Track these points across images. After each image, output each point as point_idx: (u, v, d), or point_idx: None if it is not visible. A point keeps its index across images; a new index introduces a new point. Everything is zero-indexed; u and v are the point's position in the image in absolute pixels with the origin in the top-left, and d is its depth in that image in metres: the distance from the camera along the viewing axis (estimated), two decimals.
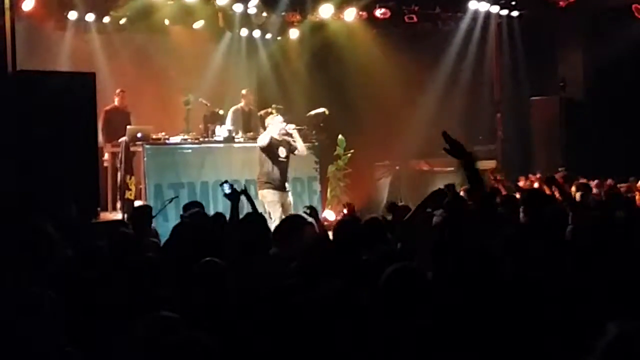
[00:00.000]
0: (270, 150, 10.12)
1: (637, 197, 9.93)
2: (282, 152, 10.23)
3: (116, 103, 12.06)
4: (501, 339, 3.33)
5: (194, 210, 6.80)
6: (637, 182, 10.63)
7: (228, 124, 12.15)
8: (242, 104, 12.64)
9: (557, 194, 7.02)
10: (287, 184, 10.30)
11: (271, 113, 12.91)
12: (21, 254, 4.09)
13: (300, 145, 10.41)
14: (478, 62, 14.84)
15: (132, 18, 12.46)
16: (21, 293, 3.71)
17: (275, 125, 10.17)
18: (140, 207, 8.35)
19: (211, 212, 10.66)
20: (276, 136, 10.17)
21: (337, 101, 13.77)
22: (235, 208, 5.93)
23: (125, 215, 10.13)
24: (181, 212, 7.28)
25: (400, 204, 8.85)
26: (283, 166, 10.22)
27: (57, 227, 5.15)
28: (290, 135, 10.34)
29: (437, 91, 14.65)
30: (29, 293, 3.69)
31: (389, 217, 6.94)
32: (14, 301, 3.59)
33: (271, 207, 9.90)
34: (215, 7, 12.54)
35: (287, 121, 10.51)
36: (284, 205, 10.03)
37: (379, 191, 13.87)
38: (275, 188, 10.06)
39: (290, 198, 10.40)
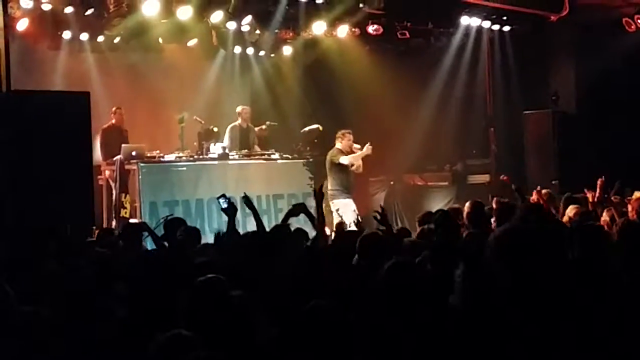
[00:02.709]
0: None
1: (629, 210, 9.94)
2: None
3: (113, 121, 12.11)
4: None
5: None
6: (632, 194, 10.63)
7: (226, 142, 12.21)
8: (239, 121, 12.69)
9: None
10: None
11: (265, 129, 13.08)
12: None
13: (359, 164, 11.54)
14: (470, 77, 14.91)
15: (126, 37, 12.50)
16: (11, 311, 3.73)
17: (366, 152, 11.35)
18: (131, 224, 8.37)
19: (206, 229, 10.79)
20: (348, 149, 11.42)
21: (331, 117, 13.82)
22: (232, 222, 5.94)
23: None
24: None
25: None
26: (351, 176, 11.44)
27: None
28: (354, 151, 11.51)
29: (431, 106, 14.71)
30: (19, 312, 3.71)
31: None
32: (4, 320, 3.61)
33: (348, 213, 10.88)
34: (208, 25, 12.58)
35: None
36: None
37: (374, 206, 13.88)
38: (348, 197, 11.25)
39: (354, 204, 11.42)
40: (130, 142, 11.91)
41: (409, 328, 3.44)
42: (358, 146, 11.46)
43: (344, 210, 10.99)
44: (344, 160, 11.22)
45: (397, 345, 3.43)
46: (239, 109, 12.81)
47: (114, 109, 12.15)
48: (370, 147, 11.32)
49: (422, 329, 3.44)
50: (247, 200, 6.33)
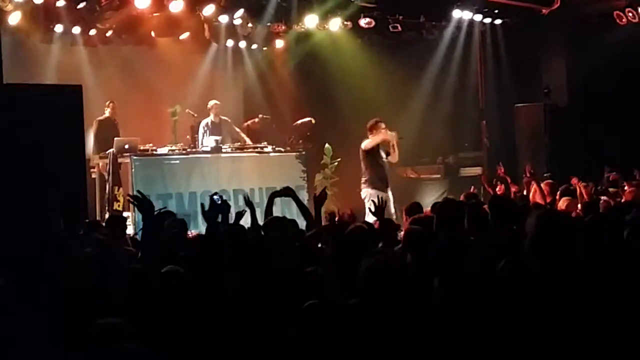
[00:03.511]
0: (374, 153, 10.96)
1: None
2: (383, 153, 11.16)
3: (107, 114, 12.12)
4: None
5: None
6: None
7: (200, 138, 12.22)
8: (210, 117, 12.64)
9: None
10: (389, 184, 11.27)
11: (258, 122, 13.10)
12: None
13: (396, 153, 11.21)
14: (462, 70, 14.93)
15: (119, 30, 12.50)
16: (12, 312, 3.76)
17: (382, 135, 10.95)
18: (113, 217, 8.39)
19: (199, 223, 10.80)
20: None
21: (324, 110, 13.86)
22: (226, 219, 5.91)
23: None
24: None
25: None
26: (384, 167, 11.15)
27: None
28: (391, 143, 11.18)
29: (423, 99, 14.74)
30: (20, 313, 3.73)
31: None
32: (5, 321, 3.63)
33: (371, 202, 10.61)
34: (201, 19, 12.58)
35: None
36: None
37: None
38: (377, 188, 10.85)
39: (391, 197, 11.10)
40: (121, 134, 11.93)
41: (390, 327, 3.46)
42: (393, 133, 11.24)
43: (369, 200, 10.90)
44: (365, 143, 10.96)
45: (377, 343, 3.45)
46: (209, 104, 12.77)
47: (107, 102, 12.15)
48: (394, 134, 11.09)
49: (402, 327, 3.46)
50: (247, 201, 6.28)
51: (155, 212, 5.14)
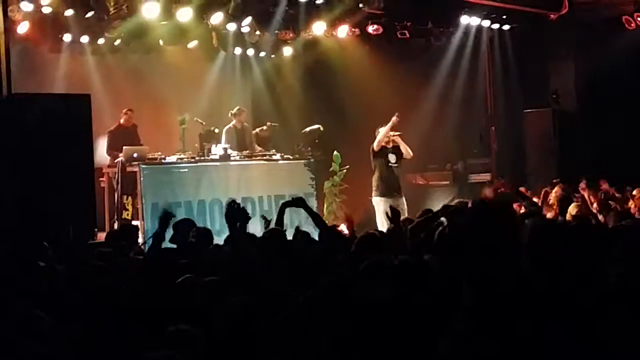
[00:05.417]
0: (380, 156, 10.99)
1: (631, 206, 9.98)
2: (392, 158, 11.11)
3: (122, 121, 12.10)
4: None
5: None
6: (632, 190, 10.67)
7: (223, 144, 12.22)
8: (233, 122, 12.68)
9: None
10: (400, 190, 11.21)
11: (266, 130, 13.12)
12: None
13: (405, 149, 11.15)
14: (471, 76, 14.92)
15: (127, 39, 12.50)
16: (9, 311, 3.75)
17: (381, 132, 11.01)
18: (127, 225, 8.40)
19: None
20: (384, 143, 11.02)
21: (332, 117, 13.85)
22: (244, 228, 5.88)
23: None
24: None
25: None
26: (393, 172, 11.08)
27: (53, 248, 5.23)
28: (395, 141, 11.13)
29: (431, 106, 14.72)
30: (17, 312, 3.73)
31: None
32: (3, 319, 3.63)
33: (378, 212, 10.75)
34: (209, 27, 12.60)
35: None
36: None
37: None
38: (383, 195, 10.88)
39: (404, 204, 10.96)
40: (140, 138, 11.96)
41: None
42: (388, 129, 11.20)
43: (376, 209, 10.93)
44: (375, 144, 11.02)
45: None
46: (234, 110, 12.78)
47: (125, 110, 12.14)
48: (395, 119, 11.01)
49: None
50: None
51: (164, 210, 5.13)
